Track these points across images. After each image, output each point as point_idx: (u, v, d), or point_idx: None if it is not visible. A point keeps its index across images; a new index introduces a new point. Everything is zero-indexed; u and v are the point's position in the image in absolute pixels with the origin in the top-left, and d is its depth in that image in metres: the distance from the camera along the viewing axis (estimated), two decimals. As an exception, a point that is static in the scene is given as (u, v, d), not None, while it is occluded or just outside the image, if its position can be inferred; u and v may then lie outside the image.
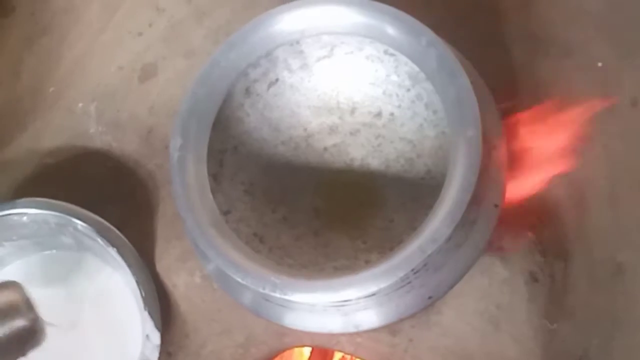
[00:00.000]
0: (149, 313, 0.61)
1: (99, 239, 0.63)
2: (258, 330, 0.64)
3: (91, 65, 0.75)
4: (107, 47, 0.75)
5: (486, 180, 0.54)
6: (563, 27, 0.67)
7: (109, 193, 0.70)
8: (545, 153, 0.64)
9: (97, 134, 0.72)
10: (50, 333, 0.65)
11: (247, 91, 0.61)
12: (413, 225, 0.57)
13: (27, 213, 0.64)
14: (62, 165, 0.72)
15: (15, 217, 0.64)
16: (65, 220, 0.64)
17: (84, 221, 0.63)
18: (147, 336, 0.61)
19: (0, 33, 0.77)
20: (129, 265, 0.62)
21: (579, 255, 0.62)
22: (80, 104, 0.73)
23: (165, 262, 0.67)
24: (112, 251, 0.62)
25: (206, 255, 0.53)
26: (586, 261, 0.61)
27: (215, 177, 0.59)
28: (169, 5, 0.75)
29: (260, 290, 0.51)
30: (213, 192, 0.56)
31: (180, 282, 0.67)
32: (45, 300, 0.66)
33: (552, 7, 0.68)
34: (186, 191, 0.55)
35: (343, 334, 0.61)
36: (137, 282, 0.62)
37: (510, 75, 0.66)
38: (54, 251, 0.69)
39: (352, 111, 0.64)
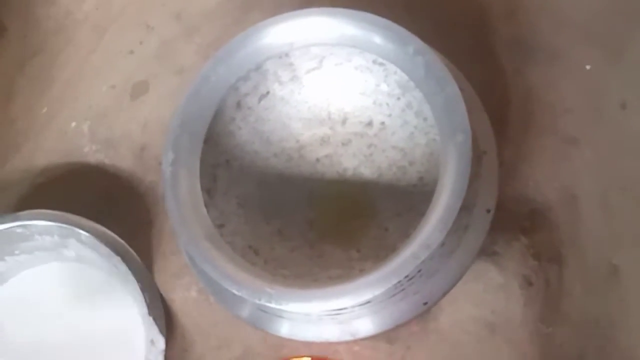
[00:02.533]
0: (154, 318, 0.61)
1: (102, 248, 0.62)
2: (255, 343, 0.64)
3: (83, 84, 0.75)
4: (98, 66, 0.76)
5: (478, 185, 0.55)
6: (550, 34, 0.67)
7: (104, 211, 0.69)
8: (536, 157, 0.64)
9: (90, 153, 0.72)
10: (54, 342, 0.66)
11: (238, 105, 0.61)
12: (407, 233, 0.56)
13: (31, 225, 0.63)
14: (57, 185, 0.72)
15: (19, 230, 0.64)
16: (68, 231, 0.63)
17: (87, 231, 0.62)
18: (152, 341, 0.61)
19: (-8, 55, 0.77)
20: (133, 273, 0.62)
21: (573, 259, 0.62)
22: (73, 124, 0.74)
23: (162, 278, 0.67)
24: (117, 260, 0.62)
25: (201, 269, 0.54)
26: (580, 264, 0.62)
27: (208, 192, 0.59)
28: (158, 23, 0.76)
29: (256, 301, 0.51)
30: (207, 206, 0.56)
31: (177, 297, 0.67)
32: (47, 312, 0.67)
33: (539, 14, 0.68)
34: (180, 205, 0.55)
35: (340, 343, 0.61)
36: (142, 288, 0.61)
37: (499, 82, 0.66)
38: (55, 264, 0.69)
39: (343, 122, 0.64)
